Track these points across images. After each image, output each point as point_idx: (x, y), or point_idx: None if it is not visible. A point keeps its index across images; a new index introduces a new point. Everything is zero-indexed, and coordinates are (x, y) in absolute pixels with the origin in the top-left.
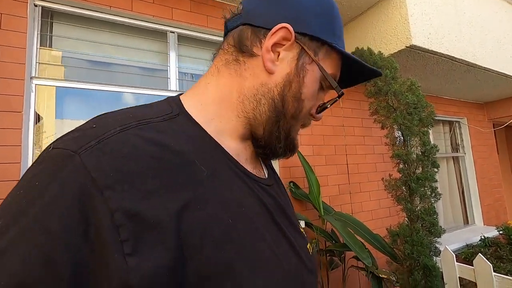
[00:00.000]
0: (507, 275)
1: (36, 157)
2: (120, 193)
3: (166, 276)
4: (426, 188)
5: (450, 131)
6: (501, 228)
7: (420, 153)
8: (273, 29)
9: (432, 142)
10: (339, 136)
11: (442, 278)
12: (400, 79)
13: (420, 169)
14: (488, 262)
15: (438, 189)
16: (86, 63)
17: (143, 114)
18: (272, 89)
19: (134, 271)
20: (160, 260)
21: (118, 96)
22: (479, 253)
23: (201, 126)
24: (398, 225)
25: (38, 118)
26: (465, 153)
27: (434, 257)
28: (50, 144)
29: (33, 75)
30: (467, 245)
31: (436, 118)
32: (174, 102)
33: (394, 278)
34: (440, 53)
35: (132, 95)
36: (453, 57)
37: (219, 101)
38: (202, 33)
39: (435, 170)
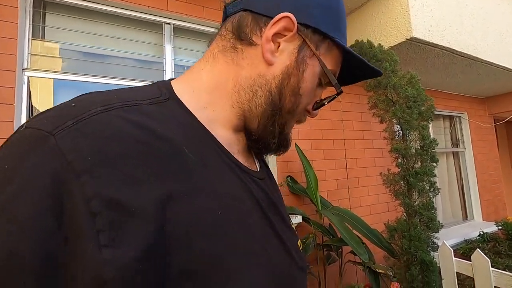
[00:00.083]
0: (505, 270)
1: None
2: (99, 178)
3: (145, 269)
4: (424, 183)
5: (451, 126)
6: (500, 224)
7: (419, 147)
8: (275, 18)
9: (431, 136)
10: (337, 130)
11: (440, 273)
12: (400, 72)
13: (419, 163)
14: (486, 257)
15: (436, 183)
16: (80, 54)
17: (130, 96)
18: (270, 81)
19: (109, 264)
20: (139, 252)
21: (113, 88)
22: (477, 248)
23: (192, 113)
24: (396, 220)
25: (32, 111)
26: (465, 148)
27: (432, 252)
28: (24, 123)
29: (25, 66)
30: (465, 240)
31: (437, 113)
32: (164, 86)
33: (391, 273)
34: (441, 46)
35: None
36: (454, 50)
37: (213, 89)
38: (199, 24)
39: (434, 164)
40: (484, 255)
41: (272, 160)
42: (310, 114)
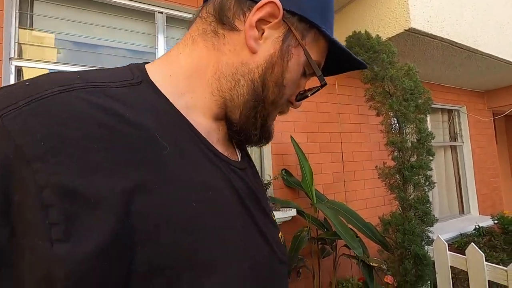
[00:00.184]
0: (499, 264)
1: None
2: (53, 165)
3: (104, 266)
4: (420, 177)
5: (449, 120)
6: (496, 218)
7: (416, 141)
8: (260, 3)
9: (428, 130)
10: (334, 123)
11: (434, 267)
12: (398, 64)
13: (415, 157)
14: (480, 252)
15: (432, 177)
16: (71, 44)
17: (95, 77)
18: (253, 70)
19: (62, 261)
20: (98, 247)
21: None
22: (472, 243)
23: (167, 99)
24: (390, 214)
25: None
26: (463, 142)
27: (426, 246)
28: None
29: (12, 56)
30: (461, 234)
31: (435, 106)
32: (137, 69)
33: (385, 266)
34: (440, 37)
35: None
36: (453, 41)
37: (191, 74)
38: (192, 14)
39: (430, 158)
40: (478, 249)
41: (267, 153)
42: (293, 105)
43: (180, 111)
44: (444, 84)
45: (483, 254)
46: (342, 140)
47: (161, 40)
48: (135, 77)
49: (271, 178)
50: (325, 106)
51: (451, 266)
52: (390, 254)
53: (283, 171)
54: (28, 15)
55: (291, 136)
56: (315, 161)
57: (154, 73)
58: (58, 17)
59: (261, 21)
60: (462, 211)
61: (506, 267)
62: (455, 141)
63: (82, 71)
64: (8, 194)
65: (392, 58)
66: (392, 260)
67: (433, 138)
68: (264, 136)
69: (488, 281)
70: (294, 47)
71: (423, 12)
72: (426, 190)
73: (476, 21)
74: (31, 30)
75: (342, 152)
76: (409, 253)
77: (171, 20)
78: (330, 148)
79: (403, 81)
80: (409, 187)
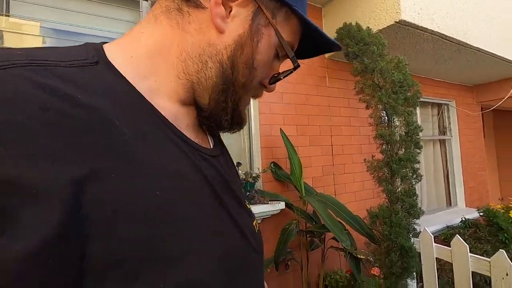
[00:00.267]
0: (483, 255)
1: None
2: None
3: (50, 263)
4: (407, 170)
5: (439, 114)
6: (481, 210)
7: (404, 134)
8: None
9: (417, 123)
10: (324, 116)
11: (420, 259)
12: (388, 56)
13: (403, 150)
14: (465, 243)
15: (419, 170)
16: (51, 32)
17: (42, 55)
18: (221, 51)
19: None
20: (38, 243)
21: None
22: (457, 234)
23: (128, 81)
24: (378, 207)
25: None
26: (451, 136)
27: (413, 238)
28: None
29: None
30: (448, 226)
31: (425, 100)
32: (93, 48)
33: (372, 258)
34: (430, 30)
35: None
36: (443, 34)
37: (154, 55)
38: None
39: (418, 151)
40: (463, 241)
41: (256, 146)
42: (267, 89)
43: (143, 95)
44: (434, 78)
45: (468, 246)
46: (332, 133)
47: None
48: (90, 57)
49: (260, 171)
50: (316, 99)
51: (436, 258)
52: (377, 247)
53: (272, 164)
54: (4, 0)
55: (280, 129)
56: (305, 154)
57: (113, 53)
58: (37, 3)
59: None
60: (449, 204)
61: (489, 258)
62: (444, 135)
63: (26, 48)
64: None
65: (382, 50)
66: (379, 252)
67: (421, 131)
68: (235, 121)
69: (472, 272)
70: (264, 27)
71: (413, 4)
72: (414, 183)
73: (467, 14)
74: (7, 16)
75: (332, 145)
76: (395, 245)
77: None
78: (320, 141)
79: (393, 73)
80: (397, 180)
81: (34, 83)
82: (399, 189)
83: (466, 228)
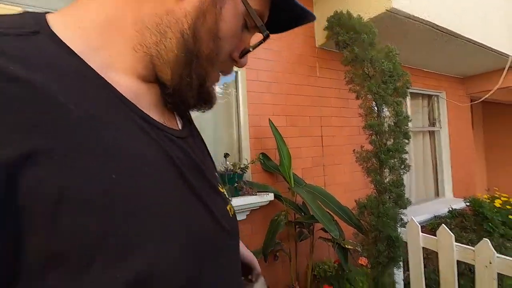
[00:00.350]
0: (468, 244)
1: None
2: None
3: None
4: (395, 160)
5: (429, 105)
6: (468, 200)
7: (393, 124)
8: None
9: (406, 113)
10: (314, 107)
11: (406, 248)
12: (378, 45)
13: (392, 140)
14: (451, 233)
15: (407, 160)
16: None
17: None
18: (180, 19)
19: None
20: None
21: None
22: (443, 224)
23: (77, 55)
24: (366, 197)
25: None
26: (441, 127)
27: (400, 228)
28: None
29: None
30: (435, 216)
31: (416, 91)
32: (33, 18)
33: (359, 249)
34: (421, 19)
35: None
36: (435, 24)
37: (105, 26)
38: None
39: (406, 141)
40: (449, 231)
41: (245, 136)
42: (237, 63)
43: (95, 70)
44: (424, 69)
45: (453, 235)
46: (322, 124)
47: None
48: (28, 26)
49: (248, 162)
50: (306, 89)
51: (423, 247)
52: (365, 237)
53: (261, 155)
54: None
55: (269, 119)
56: (294, 145)
57: (58, 24)
58: None
59: None
60: (437, 194)
61: (474, 247)
62: (434, 126)
63: None
64: None
65: (373, 39)
66: (367, 242)
67: (410, 121)
68: (203, 98)
69: (457, 260)
70: None
71: None
72: (402, 173)
73: (458, 4)
74: (4, 4)
75: (322, 136)
76: (383, 235)
77: None
78: (310, 132)
79: (383, 62)
80: (385, 170)
81: None
82: (387, 179)
83: (453, 218)
